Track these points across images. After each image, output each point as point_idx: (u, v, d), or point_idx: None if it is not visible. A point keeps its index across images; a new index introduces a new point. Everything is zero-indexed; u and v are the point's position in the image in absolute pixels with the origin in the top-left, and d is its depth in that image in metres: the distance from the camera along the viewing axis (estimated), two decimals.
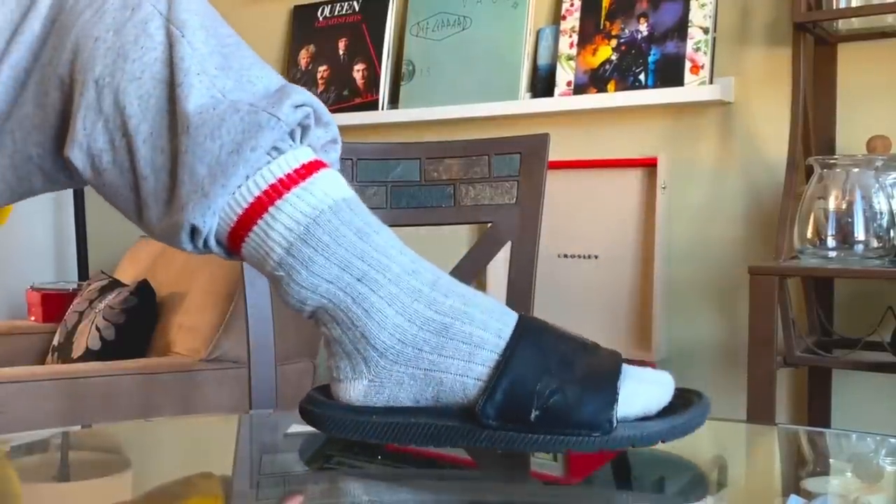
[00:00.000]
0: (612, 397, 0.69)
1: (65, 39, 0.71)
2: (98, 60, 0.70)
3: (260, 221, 0.69)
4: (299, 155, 0.71)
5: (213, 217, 0.69)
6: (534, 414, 0.68)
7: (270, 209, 0.69)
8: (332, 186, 0.71)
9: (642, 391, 0.70)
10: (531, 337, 0.71)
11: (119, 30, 0.70)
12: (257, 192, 0.69)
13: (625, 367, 0.72)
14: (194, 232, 0.70)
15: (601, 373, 0.70)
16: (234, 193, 0.69)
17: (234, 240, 0.71)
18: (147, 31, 0.70)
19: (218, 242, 0.71)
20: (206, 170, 0.68)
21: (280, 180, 0.69)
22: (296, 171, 0.70)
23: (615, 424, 0.68)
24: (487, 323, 0.70)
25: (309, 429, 0.75)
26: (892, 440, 0.85)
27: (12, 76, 0.72)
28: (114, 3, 0.71)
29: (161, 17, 0.71)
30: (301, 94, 0.72)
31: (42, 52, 0.72)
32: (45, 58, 0.72)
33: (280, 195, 0.69)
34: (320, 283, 0.69)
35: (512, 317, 0.72)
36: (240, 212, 0.69)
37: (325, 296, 0.69)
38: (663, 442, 0.69)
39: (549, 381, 0.69)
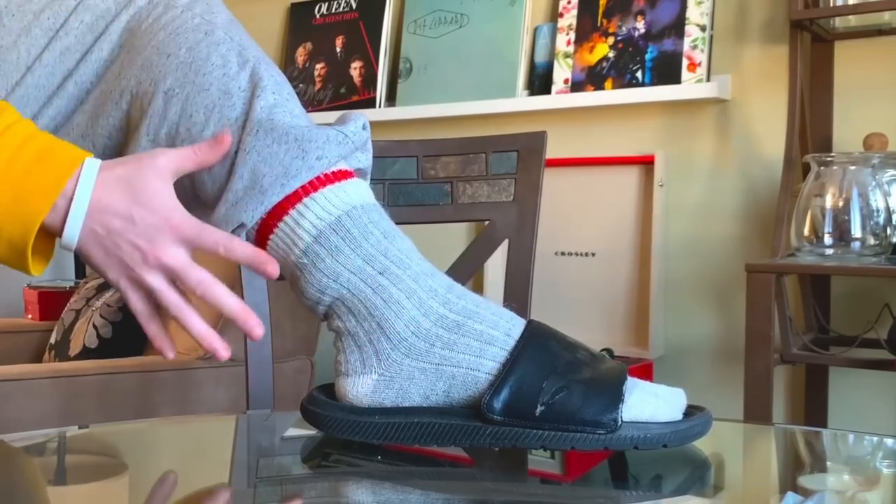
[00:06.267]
0: (617, 397, 0.69)
1: (135, 58, 0.76)
2: (169, 74, 0.74)
3: (292, 211, 0.72)
4: (338, 162, 0.75)
5: (263, 213, 0.73)
6: (539, 409, 0.69)
7: (305, 199, 0.72)
8: (364, 191, 0.75)
9: (651, 402, 0.71)
10: (539, 339, 0.72)
11: (192, 48, 0.75)
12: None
13: (638, 380, 0.73)
14: (239, 226, 0.74)
15: (607, 376, 0.71)
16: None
17: (264, 229, 0.74)
18: (219, 51, 0.75)
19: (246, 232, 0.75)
20: (268, 169, 0.72)
21: (318, 177, 0.73)
22: (333, 173, 0.74)
23: (620, 423, 0.68)
24: (498, 323, 0.73)
25: (308, 428, 0.76)
26: (889, 441, 0.85)
27: (76, 93, 0.77)
28: (189, 27, 0.76)
29: (233, 42, 0.77)
30: (363, 118, 0.78)
31: (106, 73, 0.77)
32: (109, 76, 0.77)
33: (316, 189, 0.73)
34: (342, 272, 0.71)
35: (521, 321, 0.74)
36: (275, 202, 0.73)
37: (346, 285, 0.72)
38: (665, 447, 0.69)
39: (556, 379, 0.70)
